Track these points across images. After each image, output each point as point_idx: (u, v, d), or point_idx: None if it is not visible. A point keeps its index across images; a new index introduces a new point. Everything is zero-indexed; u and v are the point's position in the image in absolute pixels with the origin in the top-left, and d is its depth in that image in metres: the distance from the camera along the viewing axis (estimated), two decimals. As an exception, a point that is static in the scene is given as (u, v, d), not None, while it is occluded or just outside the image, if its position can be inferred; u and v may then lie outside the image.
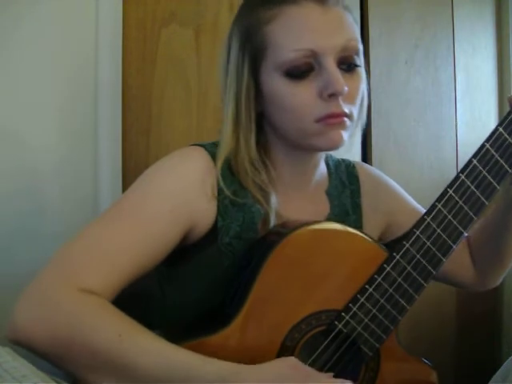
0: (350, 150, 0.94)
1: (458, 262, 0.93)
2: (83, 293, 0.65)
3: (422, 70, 1.67)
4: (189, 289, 0.80)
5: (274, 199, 0.79)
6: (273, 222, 0.79)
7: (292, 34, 0.75)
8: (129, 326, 0.64)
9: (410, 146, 1.65)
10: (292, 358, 0.65)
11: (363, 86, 0.81)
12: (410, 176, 1.62)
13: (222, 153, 0.79)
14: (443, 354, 1.72)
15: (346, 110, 0.75)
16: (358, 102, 0.80)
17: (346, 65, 0.77)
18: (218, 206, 0.78)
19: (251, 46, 0.78)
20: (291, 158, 0.83)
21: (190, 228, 0.76)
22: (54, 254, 0.68)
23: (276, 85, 0.76)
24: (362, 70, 0.80)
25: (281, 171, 0.83)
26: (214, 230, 0.78)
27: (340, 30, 0.76)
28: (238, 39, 0.79)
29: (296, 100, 0.75)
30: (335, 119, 0.75)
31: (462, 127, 1.74)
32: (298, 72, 0.75)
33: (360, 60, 0.79)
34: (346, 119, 0.76)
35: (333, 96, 0.74)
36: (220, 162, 0.78)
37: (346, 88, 0.74)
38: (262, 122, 0.82)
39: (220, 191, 0.78)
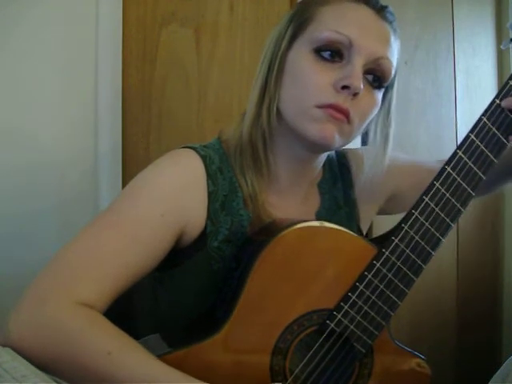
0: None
1: None
2: (76, 306, 0.64)
3: (422, 70, 1.67)
4: (180, 293, 0.80)
5: (261, 202, 0.79)
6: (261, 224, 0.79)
7: (340, 19, 0.76)
8: (119, 344, 0.63)
9: (410, 146, 1.65)
10: None
11: (375, 111, 0.79)
12: (410, 176, 1.61)
13: (247, 120, 0.80)
14: (443, 353, 1.72)
15: (351, 112, 0.74)
16: (364, 120, 0.78)
17: (372, 76, 0.77)
18: (208, 211, 0.77)
19: (298, 18, 0.79)
20: (292, 162, 0.83)
21: (181, 232, 0.76)
22: (48, 262, 0.68)
23: (301, 58, 0.76)
24: (380, 96, 0.79)
25: (279, 171, 0.83)
26: (203, 235, 0.77)
27: (382, 44, 0.76)
28: (290, 13, 0.81)
29: (311, 77, 0.75)
30: (336, 113, 0.74)
31: (462, 127, 1.74)
32: (326, 51, 0.75)
33: (386, 85, 0.79)
34: (345, 120, 0.74)
35: (345, 89, 0.73)
36: (247, 129, 0.80)
37: (361, 87, 0.73)
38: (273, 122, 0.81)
39: (210, 195, 0.77)
